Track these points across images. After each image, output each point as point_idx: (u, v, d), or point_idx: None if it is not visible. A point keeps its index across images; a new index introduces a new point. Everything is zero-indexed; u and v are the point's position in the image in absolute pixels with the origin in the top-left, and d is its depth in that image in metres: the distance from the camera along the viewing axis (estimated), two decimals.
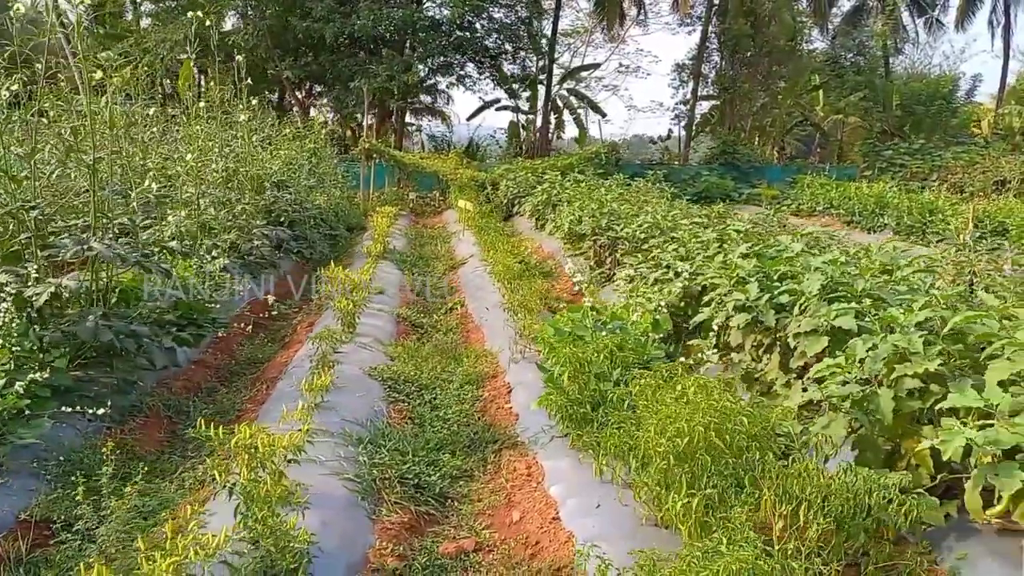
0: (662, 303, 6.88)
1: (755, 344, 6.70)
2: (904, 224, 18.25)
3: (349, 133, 33.28)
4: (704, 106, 36.82)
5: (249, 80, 12.32)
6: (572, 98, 38.21)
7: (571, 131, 38.80)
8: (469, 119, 37.56)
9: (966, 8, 37.04)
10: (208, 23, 11.79)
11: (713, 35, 33.74)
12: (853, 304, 5.45)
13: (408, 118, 37.52)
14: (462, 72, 32.37)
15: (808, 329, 5.75)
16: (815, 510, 3.27)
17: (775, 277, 6.58)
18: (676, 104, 36.96)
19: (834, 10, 37.28)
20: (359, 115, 29.43)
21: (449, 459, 5.67)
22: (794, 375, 6.10)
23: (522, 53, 33.17)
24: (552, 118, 36.63)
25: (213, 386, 7.27)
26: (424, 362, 7.95)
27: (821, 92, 36.54)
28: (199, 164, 9.88)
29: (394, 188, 26.05)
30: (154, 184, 8.99)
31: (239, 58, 12.39)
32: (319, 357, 6.42)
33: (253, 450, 3.83)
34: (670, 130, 37.52)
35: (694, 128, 35.85)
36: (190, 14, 10.55)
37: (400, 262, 14.16)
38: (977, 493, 3.87)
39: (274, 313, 9.44)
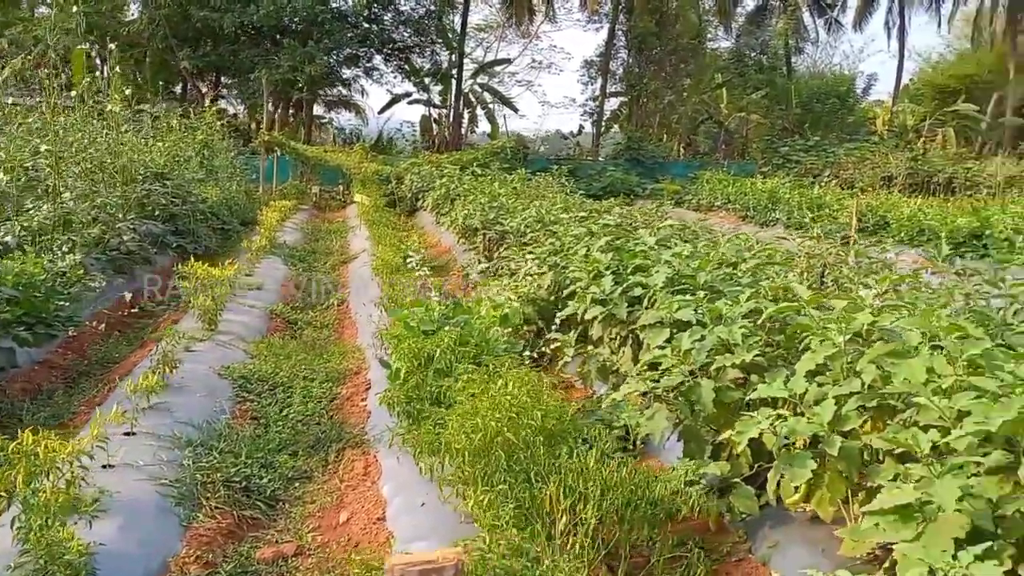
0: (511, 297, 6.82)
1: (612, 337, 6.73)
2: (794, 219, 18.78)
3: (255, 125, 32.48)
4: (614, 102, 37.29)
5: (118, 68, 11.81)
6: (485, 93, 38.16)
7: (485, 126, 38.74)
8: (380, 112, 37.18)
9: (864, 9, 38.46)
10: (75, 9, 11.28)
11: (620, 32, 34.13)
12: (691, 297, 5.50)
13: (320, 111, 36.92)
14: (369, 64, 31.99)
15: (653, 321, 5.79)
16: (592, 504, 3.25)
17: (629, 270, 6.61)
18: (586, 100, 37.33)
19: (738, 9, 38.19)
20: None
21: (288, 460, 5.49)
22: (644, 367, 6.14)
23: (431, 47, 32.96)
24: (465, 112, 36.52)
25: (56, 388, 6.91)
26: (286, 360, 7.73)
27: (725, 90, 37.37)
28: (59, 155, 9.38)
29: (297, 182, 25.54)
30: (3, 176, 8.54)
31: (112, 46, 11.90)
32: (159, 357, 6.15)
33: (34, 457, 3.61)
34: (581, 126, 37.84)
35: (604, 124, 36.23)
36: None
37: (289, 257, 13.84)
38: (778, 482, 3.92)
39: (135, 311, 9.05)
